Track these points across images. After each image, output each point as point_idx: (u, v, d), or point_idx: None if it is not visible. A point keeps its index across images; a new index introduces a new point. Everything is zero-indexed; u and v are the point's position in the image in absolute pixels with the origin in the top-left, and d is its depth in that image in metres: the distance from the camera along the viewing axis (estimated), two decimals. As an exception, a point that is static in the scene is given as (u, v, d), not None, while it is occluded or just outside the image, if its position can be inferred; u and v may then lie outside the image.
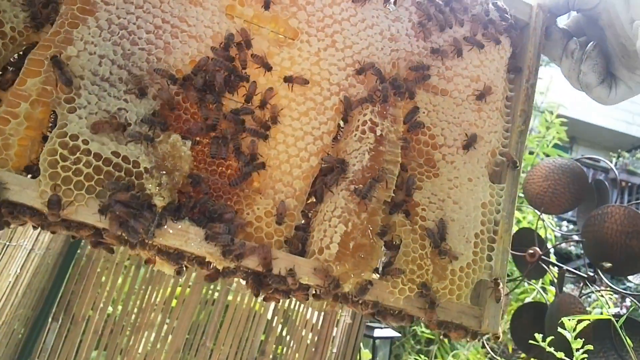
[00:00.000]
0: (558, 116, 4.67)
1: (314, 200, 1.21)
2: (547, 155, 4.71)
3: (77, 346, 2.51)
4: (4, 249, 1.86)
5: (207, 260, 1.04)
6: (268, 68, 1.13)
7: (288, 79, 1.14)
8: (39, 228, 1.01)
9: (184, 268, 1.12)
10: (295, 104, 1.16)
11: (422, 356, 3.57)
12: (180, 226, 1.01)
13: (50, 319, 2.46)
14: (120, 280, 2.62)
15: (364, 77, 1.20)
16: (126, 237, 0.98)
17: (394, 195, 1.16)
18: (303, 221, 1.19)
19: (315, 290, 1.09)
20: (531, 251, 2.53)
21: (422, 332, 3.95)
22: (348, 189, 1.11)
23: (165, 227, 1.00)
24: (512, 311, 2.51)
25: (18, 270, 2.08)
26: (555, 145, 4.79)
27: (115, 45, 1.05)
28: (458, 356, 3.72)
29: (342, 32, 1.20)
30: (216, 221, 1.04)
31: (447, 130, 1.25)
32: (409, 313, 1.16)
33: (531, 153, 4.66)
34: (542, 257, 2.50)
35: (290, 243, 1.12)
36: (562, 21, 1.41)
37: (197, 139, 1.11)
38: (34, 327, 2.41)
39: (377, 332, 3.31)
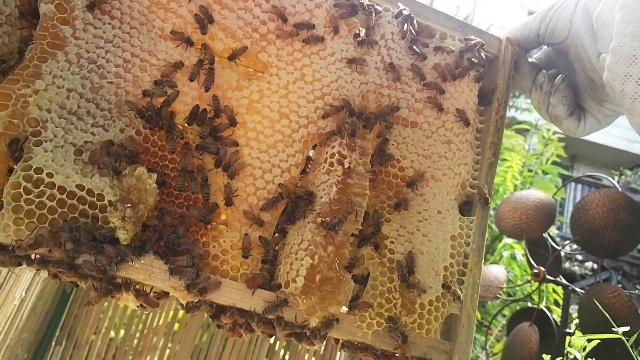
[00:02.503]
0: (556, 133, 4.60)
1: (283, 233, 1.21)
2: (546, 173, 4.67)
3: (80, 370, 2.49)
4: (10, 272, 1.84)
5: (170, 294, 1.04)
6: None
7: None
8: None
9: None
10: (263, 136, 1.17)
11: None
12: (144, 260, 1.01)
13: (53, 343, 2.44)
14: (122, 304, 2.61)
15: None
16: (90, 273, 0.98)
17: (362, 228, 1.16)
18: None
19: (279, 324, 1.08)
20: (536, 271, 2.57)
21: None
22: (315, 221, 1.11)
23: (131, 261, 1.00)
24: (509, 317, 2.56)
25: (23, 294, 2.05)
26: (556, 163, 4.73)
27: (83, 79, 1.06)
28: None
29: (312, 66, 1.21)
30: (179, 254, 1.03)
31: (417, 163, 1.25)
32: (377, 348, 1.14)
33: (530, 171, 4.61)
34: (547, 275, 2.55)
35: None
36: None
37: (165, 172, 1.11)
38: (37, 352, 2.39)
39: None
